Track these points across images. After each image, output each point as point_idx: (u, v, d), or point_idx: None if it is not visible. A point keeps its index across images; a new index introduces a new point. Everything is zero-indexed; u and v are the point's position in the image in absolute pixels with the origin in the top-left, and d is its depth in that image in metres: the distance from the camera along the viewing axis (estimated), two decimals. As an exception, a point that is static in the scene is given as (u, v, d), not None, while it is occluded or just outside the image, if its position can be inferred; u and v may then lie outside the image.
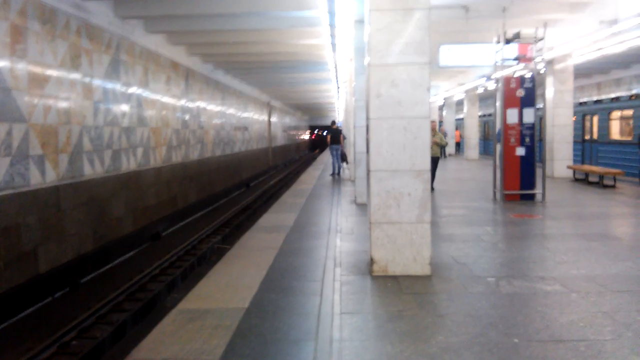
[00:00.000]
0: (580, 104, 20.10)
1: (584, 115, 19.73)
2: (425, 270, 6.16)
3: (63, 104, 9.76)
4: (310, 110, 55.29)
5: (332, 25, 11.62)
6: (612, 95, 19.90)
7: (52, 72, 9.43)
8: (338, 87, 25.99)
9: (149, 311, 8.29)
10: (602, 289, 5.71)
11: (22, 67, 8.58)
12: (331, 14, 10.53)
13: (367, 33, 6.33)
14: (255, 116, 30.66)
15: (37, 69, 8.99)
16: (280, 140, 42.37)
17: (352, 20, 12.17)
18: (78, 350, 6.64)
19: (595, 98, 22.64)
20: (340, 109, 34.66)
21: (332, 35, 12.76)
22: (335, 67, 18.98)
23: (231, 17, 12.63)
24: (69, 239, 9.75)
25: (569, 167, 16.44)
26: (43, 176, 9.09)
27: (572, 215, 10.44)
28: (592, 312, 5.00)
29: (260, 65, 20.04)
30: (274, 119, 38.32)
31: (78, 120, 10.28)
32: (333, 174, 19.36)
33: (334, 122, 21.25)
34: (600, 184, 14.83)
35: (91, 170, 10.77)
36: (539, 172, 12.06)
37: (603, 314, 4.94)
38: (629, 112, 17.59)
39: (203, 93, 19.43)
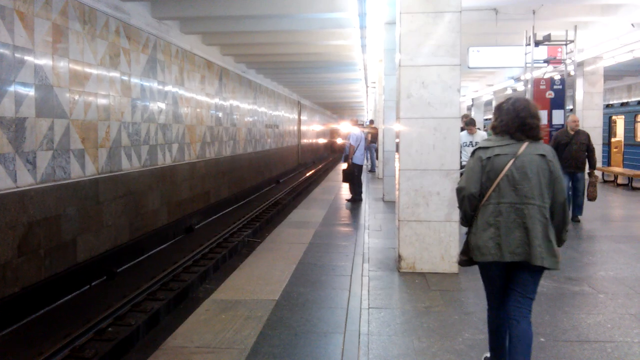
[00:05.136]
0: (607, 106, 19.80)
1: (610, 118, 19.45)
2: (453, 268, 6.25)
3: (102, 101, 10.07)
4: (340, 109, 55.35)
5: (362, 27, 11.70)
6: None
7: (92, 70, 9.74)
8: (367, 87, 26.02)
9: (182, 300, 8.52)
10: (630, 291, 5.73)
11: (63, 65, 8.89)
12: (361, 15, 10.62)
13: (398, 35, 6.44)
14: (285, 114, 30.88)
15: (78, 67, 9.30)
16: (309, 137, 42.55)
17: (382, 22, 12.27)
18: (114, 337, 6.88)
19: (623, 100, 22.22)
20: (369, 108, 34.66)
21: (362, 37, 12.83)
22: (365, 68, 19.04)
23: (263, 19, 12.83)
24: (106, 229, 10.07)
25: (597, 169, 16.27)
26: (83, 169, 9.41)
27: (600, 216, 10.38)
28: (620, 314, 5.04)
29: (291, 65, 20.21)
30: (303, 117, 38.51)
31: (117, 116, 10.60)
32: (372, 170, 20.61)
33: (372, 121, 21.95)
34: (629, 186, 14.67)
35: (128, 164, 11.08)
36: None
37: (631, 316, 4.97)
38: None
39: (236, 92, 19.69)
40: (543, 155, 3.42)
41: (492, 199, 3.43)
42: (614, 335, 4.51)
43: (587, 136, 9.55)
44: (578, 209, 9.65)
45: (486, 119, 34.75)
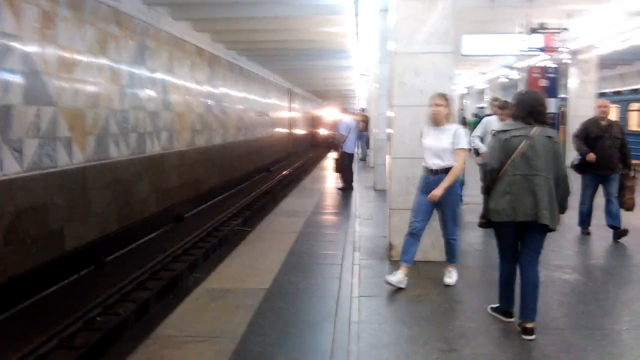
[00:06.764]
0: (600, 94, 19.85)
1: None
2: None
3: (91, 88, 9.94)
4: (332, 98, 55.16)
5: (356, 14, 11.62)
6: (635, 87, 19.43)
7: (81, 57, 9.61)
8: (360, 75, 25.94)
9: (172, 290, 8.47)
10: (621, 279, 5.75)
11: (51, 51, 8.75)
12: (355, 2, 10.54)
13: (392, 22, 6.37)
14: (277, 102, 30.75)
15: (66, 54, 9.17)
16: (301, 126, 42.42)
17: (376, 8, 12.16)
18: (103, 326, 6.83)
19: (616, 89, 22.24)
20: (361, 96, 34.58)
21: (356, 24, 12.75)
22: (358, 55, 18.96)
23: (255, 5, 12.70)
24: (94, 218, 9.98)
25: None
26: (70, 157, 9.30)
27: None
28: (610, 302, 5.04)
29: (283, 53, 20.08)
30: (295, 105, 38.38)
31: (105, 103, 10.47)
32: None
33: (363, 110, 21.93)
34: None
35: (117, 152, 10.97)
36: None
37: (621, 304, 4.99)
38: None
39: (226, 79, 19.56)
40: (550, 137, 4.23)
41: (508, 171, 4.21)
42: (604, 323, 4.51)
43: (621, 129, 7.62)
44: (613, 218, 7.41)
45: (479, 107, 34.79)
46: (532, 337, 4.13)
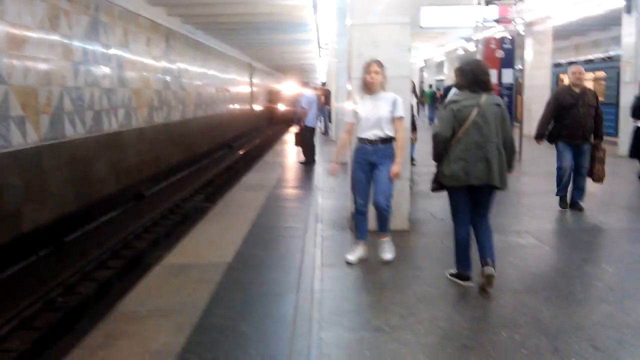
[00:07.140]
0: (555, 65, 20.22)
1: (558, 76, 19.84)
2: (404, 225, 6.32)
3: (43, 65, 9.63)
4: (293, 72, 54.71)
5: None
6: (588, 57, 19.89)
7: (31, 33, 9.29)
8: (320, 49, 25.78)
9: (133, 267, 8.39)
10: (577, 242, 5.94)
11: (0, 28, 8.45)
12: (312, -27, 10.44)
13: (348, -7, 6.34)
14: (236, 77, 30.37)
15: (16, 30, 8.85)
16: (262, 101, 42.04)
17: (333, -20, 12.08)
18: (63, 306, 6.74)
19: (571, 59, 22.69)
20: (321, 70, 34.41)
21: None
22: (317, 29, 18.81)
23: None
24: (52, 198, 9.76)
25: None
26: (24, 137, 9.04)
27: (546, 172, 10.54)
28: (565, 265, 5.21)
29: (241, 27, 19.77)
30: (256, 80, 37.96)
31: (58, 81, 10.17)
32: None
33: (324, 83, 21.72)
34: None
35: (73, 130, 10.70)
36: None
37: (575, 267, 5.14)
38: (601, 74, 17.77)
39: (184, 54, 19.19)
40: (498, 104, 4.46)
41: (461, 139, 4.38)
42: (559, 285, 4.65)
43: (595, 96, 7.19)
44: (579, 192, 7.32)
45: (438, 80, 35.09)
46: (492, 272, 4.36)
